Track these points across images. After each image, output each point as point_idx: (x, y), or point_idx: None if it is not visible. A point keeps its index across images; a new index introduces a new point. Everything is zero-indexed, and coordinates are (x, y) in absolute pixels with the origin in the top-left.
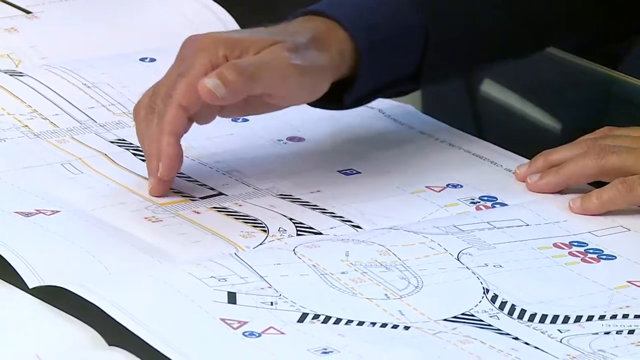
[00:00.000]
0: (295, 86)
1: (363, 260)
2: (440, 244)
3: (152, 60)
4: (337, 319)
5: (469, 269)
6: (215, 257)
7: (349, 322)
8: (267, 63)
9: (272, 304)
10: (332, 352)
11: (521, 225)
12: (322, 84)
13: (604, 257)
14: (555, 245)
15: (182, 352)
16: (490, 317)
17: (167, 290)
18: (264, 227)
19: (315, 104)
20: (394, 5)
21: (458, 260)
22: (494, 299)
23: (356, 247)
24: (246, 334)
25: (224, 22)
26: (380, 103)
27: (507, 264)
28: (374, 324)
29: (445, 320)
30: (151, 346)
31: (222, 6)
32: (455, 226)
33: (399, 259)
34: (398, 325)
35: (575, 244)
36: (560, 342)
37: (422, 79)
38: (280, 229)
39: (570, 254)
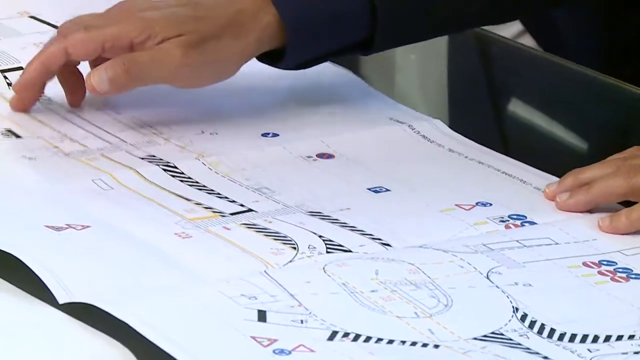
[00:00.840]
0: (189, 79)
1: (393, 279)
2: (469, 262)
3: None
4: (367, 337)
5: (498, 288)
6: (245, 275)
7: (379, 340)
8: (159, 62)
9: (302, 322)
10: None
11: (550, 244)
12: (228, 72)
13: (633, 276)
14: (584, 264)
15: None
16: (520, 336)
17: (197, 308)
18: (293, 244)
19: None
20: None
21: (488, 278)
22: (523, 317)
23: (386, 266)
24: (276, 351)
25: None
26: (409, 117)
27: (537, 283)
28: (403, 342)
29: (474, 339)
30: None
31: None
32: (484, 245)
33: (428, 277)
34: (428, 344)
35: (605, 263)
36: None
37: (373, 49)
38: (310, 247)
39: (600, 273)
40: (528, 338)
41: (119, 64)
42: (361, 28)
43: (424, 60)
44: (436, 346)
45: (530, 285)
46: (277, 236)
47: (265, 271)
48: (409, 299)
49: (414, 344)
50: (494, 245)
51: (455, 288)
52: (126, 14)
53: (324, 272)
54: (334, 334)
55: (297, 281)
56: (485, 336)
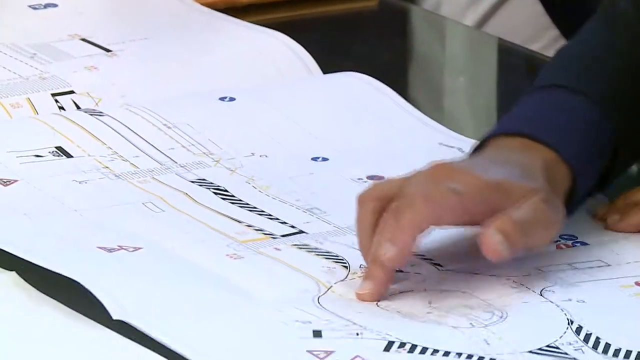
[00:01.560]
0: (552, 238)
1: (446, 304)
2: (522, 283)
3: (232, 99)
4: (424, 348)
5: (552, 303)
6: (298, 303)
7: (435, 352)
8: (538, 220)
9: (357, 334)
10: None
11: (602, 266)
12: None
13: None
14: (637, 283)
15: None
16: (575, 350)
17: (251, 329)
18: (345, 264)
19: None
20: (586, 115)
21: (541, 295)
22: (578, 330)
23: (438, 295)
24: None
25: (304, 61)
26: (459, 142)
27: (591, 300)
28: (459, 354)
29: (530, 352)
30: None
31: (303, 46)
32: (536, 267)
33: (481, 300)
34: (484, 357)
35: None
36: None
37: (611, 178)
38: (362, 266)
39: None
40: (583, 352)
41: (511, 224)
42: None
43: (473, 83)
44: (492, 359)
45: (584, 301)
46: (328, 256)
47: (318, 299)
48: (463, 314)
49: (469, 357)
50: (545, 268)
51: (509, 305)
52: (473, 176)
53: (377, 306)
54: (390, 345)
55: (350, 312)
56: (540, 349)
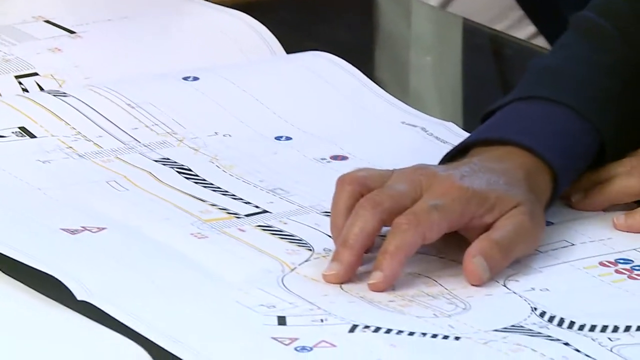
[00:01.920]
0: (531, 250)
1: (410, 292)
2: None
3: (196, 79)
4: (388, 329)
5: (515, 293)
6: (263, 285)
7: (400, 332)
8: (521, 237)
9: (322, 320)
10: None
11: (566, 246)
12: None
13: None
14: (600, 263)
15: None
16: (540, 327)
17: (215, 312)
18: (309, 246)
19: None
20: (570, 123)
21: (504, 286)
22: (542, 314)
23: (402, 280)
24: (298, 348)
25: (267, 41)
26: (422, 121)
27: (554, 287)
28: (424, 334)
29: (495, 330)
30: None
31: (267, 26)
32: None
33: (445, 289)
34: (449, 337)
35: (621, 261)
36: (611, 350)
37: None
38: (325, 249)
39: (617, 271)
40: (548, 329)
41: (495, 248)
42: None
43: (438, 63)
44: (457, 338)
45: (547, 289)
46: (292, 239)
47: (282, 280)
48: (427, 305)
49: (434, 336)
50: None
51: (472, 296)
52: (452, 186)
53: (341, 289)
54: (354, 327)
55: (314, 294)
56: (505, 328)
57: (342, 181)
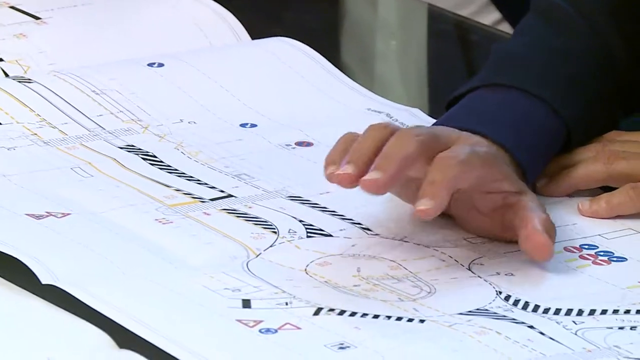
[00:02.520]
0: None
1: (375, 275)
2: (450, 255)
3: (161, 65)
4: (353, 312)
5: (480, 277)
6: (227, 269)
7: (365, 315)
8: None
9: (286, 304)
10: (348, 347)
11: None
12: None
13: (615, 259)
14: (565, 249)
15: (195, 352)
16: (505, 311)
17: (179, 296)
18: (274, 228)
19: None
20: (535, 112)
21: (469, 270)
22: (507, 298)
23: (367, 263)
24: (262, 330)
25: (232, 27)
26: (387, 107)
27: (518, 272)
28: (389, 317)
29: (460, 314)
30: (163, 349)
31: (232, 12)
32: (464, 239)
33: (410, 272)
34: (413, 319)
35: (586, 247)
36: (575, 334)
37: None
38: (291, 231)
39: (581, 257)
40: (513, 312)
41: (549, 223)
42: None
43: (404, 48)
44: (422, 321)
45: (512, 274)
46: (257, 221)
47: (247, 265)
48: (392, 289)
49: (399, 319)
50: (475, 239)
51: (437, 279)
52: (476, 146)
53: (306, 273)
54: (319, 310)
55: (279, 278)
56: (470, 311)
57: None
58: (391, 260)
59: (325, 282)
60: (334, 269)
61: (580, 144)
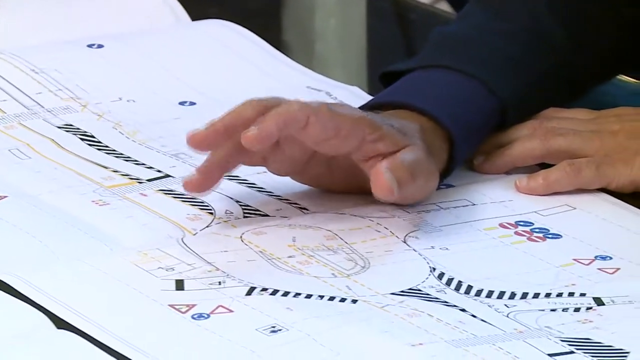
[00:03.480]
0: (431, 190)
1: (310, 245)
2: (386, 227)
3: (100, 46)
4: (285, 292)
5: (415, 251)
6: (162, 246)
7: (297, 295)
8: (422, 167)
9: (219, 283)
10: (280, 330)
11: (467, 205)
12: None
13: (550, 236)
14: (501, 225)
15: (126, 340)
16: (437, 292)
17: (113, 280)
18: (210, 209)
19: None
20: (471, 91)
21: (405, 242)
22: (440, 276)
23: (303, 233)
24: (195, 316)
25: (173, 8)
26: (326, 85)
27: (453, 247)
28: (321, 297)
29: (392, 294)
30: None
31: None
32: (401, 209)
33: (345, 242)
34: (346, 299)
35: (521, 223)
36: (507, 316)
37: None
38: (227, 212)
39: (516, 233)
40: (445, 293)
41: (404, 169)
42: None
43: (343, 26)
44: (354, 301)
45: (447, 249)
46: (193, 202)
47: (182, 239)
48: (326, 263)
49: (332, 299)
50: (411, 209)
51: (372, 252)
52: (349, 108)
53: (242, 241)
54: (251, 290)
55: (214, 250)
56: (402, 292)
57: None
58: (327, 230)
59: (261, 252)
60: (269, 238)
61: (516, 124)
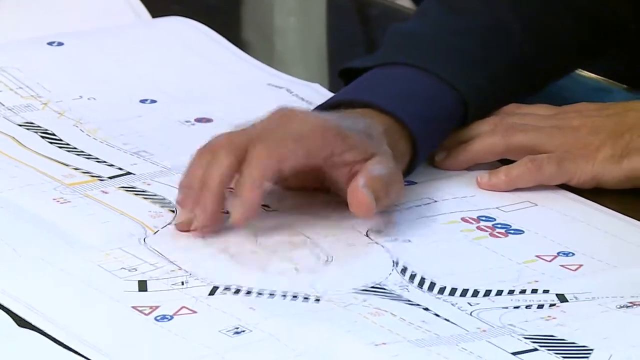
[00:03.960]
0: (399, 198)
1: (273, 241)
2: (349, 222)
3: (60, 44)
4: (248, 290)
5: (377, 244)
6: (125, 245)
7: (260, 294)
8: (395, 179)
9: (182, 283)
10: (244, 331)
11: (429, 203)
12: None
13: (512, 231)
14: (463, 219)
15: (89, 341)
16: (401, 288)
17: (75, 282)
18: (172, 207)
19: None
20: (431, 88)
21: (367, 236)
22: (403, 271)
23: (266, 229)
24: (158, 318)
25: (132, 5)
26: (287, 82)
27: (416, 239)
28: (284, 296)
29: (355, 291)
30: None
31: None
32: None
33: (308, 238)
34: (309, 298)
35: (483, 218)
36: (470, 315)
37: None
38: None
39: (479, 228)
40: (408, 291)
41: (379, 183)
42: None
43: (303, 23)
44: (317, 300)
45: (409, 241)
46: (155, 199)
47: (144, 240)
48: (289, 257)
49: (294, 297)
50: None
51: (334, 246)
52: (314, 120)
53: (203, 238)
54: (214, 289)
55: (176, 249)
56: (366, 290)
57: (215, 150)
58: (289, 226)
59: (223, 249)
60: (231, 236)
61: (478, 119)
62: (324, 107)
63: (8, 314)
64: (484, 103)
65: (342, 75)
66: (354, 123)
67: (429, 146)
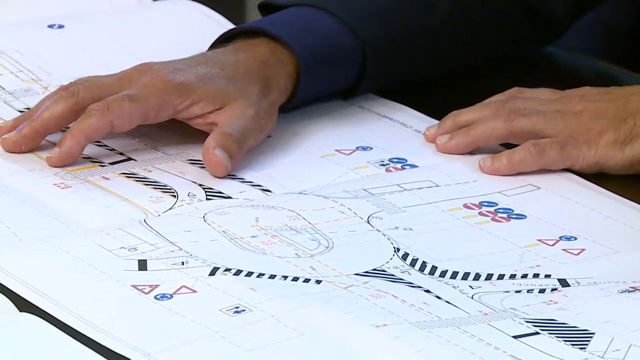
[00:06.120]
0: (268, 133)
1: (273, 225)
2: (350, 207)
3: (61, 26)
4: (249, 272)
5: (379, 231)
6: (125, 226)
7: (261, 275)
8: (250, 130)
9: (182, 263)
10: (244, 310)
11: (431, 187)
12: (275, 121)
13: (514, 216)
14: (465, 206)
15: (89, 320)
16: (402, 272)
17: (76, 261)
18: (173, 192)
19: None
20: (332, 29)
21: (368, 223)
22: (404, 256)
23: (266, 213)
24: (158, 297)
25: None
26: None
27: (417, 227)
28: (285, 277)
29: (356, 274)
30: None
31: None
32: (365, 190)
33: (309, 222)
34: (310, 279)
35: (485, 204)
36: (472, 298)
37: (359, 91)
38: (190, 194)
39: (480, 214)
40: (410, 274)
41: (230, 140)
42: (351, 75)
43: None
44: (318, 282)
45: (411, 229)
46: (156, 185)
47: (144, 220)
48: (289, 242)
49: (295, 279)
50: (374, 190)
51: (336, 232)
52: (157, 79)
53: (204, 221)
54: (215, 270)
55: (177, 230)
56: (367, 272)
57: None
58: (290, 210)
59: (224, 231)
60: (232, 218)
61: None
62: (221, 38)
63: (9, 297)
64: (385, 57)
65: (261, 9)
66: (212, 69)
67: (316, 81)
